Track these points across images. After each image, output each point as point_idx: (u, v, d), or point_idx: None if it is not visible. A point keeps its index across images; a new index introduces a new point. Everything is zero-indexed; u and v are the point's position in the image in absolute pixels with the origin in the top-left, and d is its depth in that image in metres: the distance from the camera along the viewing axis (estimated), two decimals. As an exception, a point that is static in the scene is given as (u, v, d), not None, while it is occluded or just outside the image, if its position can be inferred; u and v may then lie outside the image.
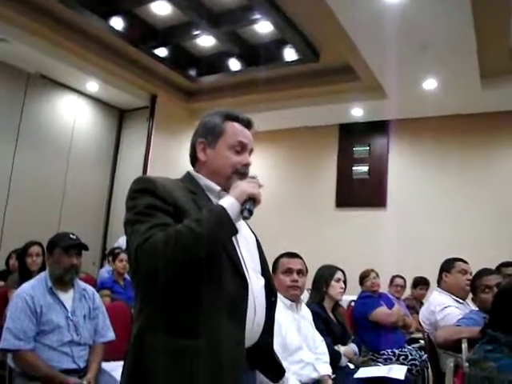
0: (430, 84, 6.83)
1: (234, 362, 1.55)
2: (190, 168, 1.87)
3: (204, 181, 1.77)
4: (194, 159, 1.85)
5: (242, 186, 1.61)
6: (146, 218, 1.54)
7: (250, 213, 1.58)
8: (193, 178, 1.79)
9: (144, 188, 1.62)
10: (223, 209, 1.54)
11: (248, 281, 1.64)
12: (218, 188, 1.75)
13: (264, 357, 1.83)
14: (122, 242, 7.22)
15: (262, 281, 1.78)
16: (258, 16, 6.21)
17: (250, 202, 1.59)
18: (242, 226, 1.80)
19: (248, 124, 1.85)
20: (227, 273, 1.59)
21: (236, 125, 1.81)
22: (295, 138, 9.12)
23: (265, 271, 1.84)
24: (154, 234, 1.48)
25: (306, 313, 3.30)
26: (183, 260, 1.48)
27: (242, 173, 1.75)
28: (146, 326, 1.57)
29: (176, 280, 1.51)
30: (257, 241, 1.89)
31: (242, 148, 1.78)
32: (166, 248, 1.45)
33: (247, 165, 1.78)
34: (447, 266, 3.83)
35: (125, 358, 1.62)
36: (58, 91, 7.97)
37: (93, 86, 8.07)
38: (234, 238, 1.69)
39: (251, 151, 1.83)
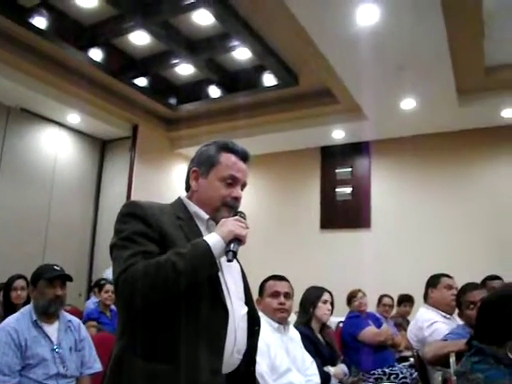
0: (408, 104, 6.94)
1: None
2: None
3: (193, 208, 1.77)
4: (187, 186, 1.85)
5: (230, 226, 1.61)
6: (131, 244, 1.56)
7: (234, 255, 1.58)
8: (183, 204, 1.80)
9: (132, 213, 1.64)
10: (208, 247, 1.54)
11: (230, 309, 1.64)
12: (206, 216, 1.75)
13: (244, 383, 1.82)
14: (108, 273, 7.18)
15: (245, 309, 1.78)
16: (235, 43, 6.27)
17: (235, 243, 1.59)
18: None
19: (244, 157, 1.84)
20: (207, 301, 1.60)
21: (231, 157, 1.80)
22: (277, 162, 9.18)
23: (248, 300, 1.83)
24: (135, 262, 1.50)
25: (294, 334, 3.29)
26: (161, 292, 1.50)
27: (231, 206, 1.75)
28: (125, 348, 1.58)
29: (155, 306, 1.52)
30: (241, 269, 1.89)
31: (233, 181, 1.77)
32: (145, 279, 1.47)
33: (237, 198, 1.77)
34: (433, 281, 3.84)
35: (102, 380, 1.63)
36: (39, 124, 7.96)
37: (74, 117, 8.07)
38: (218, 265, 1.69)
39: (244, 185, 1.82)
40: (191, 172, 1.82)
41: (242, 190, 1.82)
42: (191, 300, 1.56)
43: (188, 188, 1.85)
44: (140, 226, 1.59)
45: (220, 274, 1.68)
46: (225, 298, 1.64)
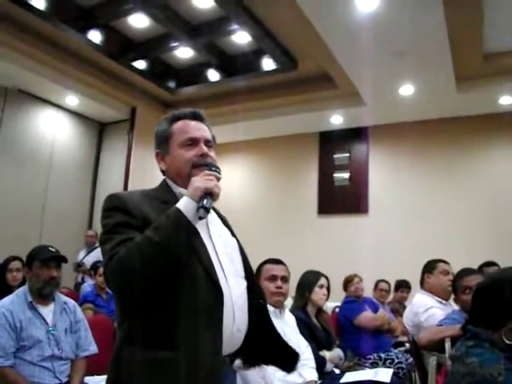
0: (406, 90, 6.91)
1: (211, 372, 1.53)
2: None
3: (177, 189, 1.75)
4: (162, 172, 1.84)
5: (196, 183, 1.58)
6: (114, 235, 1.55)
7: (206, 210, 1.54)
8: (167, 186, 1.78)
9: (113, 206, 1.63)
10: (178, 211, 1.52)
11: (225, 287, 1.62)
12: None
13: (275, 348, 1.83)
14: (81, 254, 7.45)
15: (244, 285, 1.75)
16: (235, 26, 6.22)
17: (206, 199, 1.55)
18: (218, 228, 1.79)
19: (194, 116, 1.84)
20: (201, 282, 1.57)
21: (182, 122, 1.80)
22: (276, 146, 9.16)
23: (248, 274, 1.81)
24: (118, 251, 1.49)
25: (289, 319, 3.29)
26: (150, 271, 1.48)
27: (200, 164, 1.71)
28: (124, 339, 1.58)
29: (150, 292, 1.51)
30: (239, 244, 1.86)
31: (192, 142, 1.75)
32: (129, 263, 1.46)
33: (203, 155, 1.73)
34: (429, 267, 3.85)
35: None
36: (37, 106, 7.93)
37: (72, 100, 8.05)
38: (210, 244, 1.68)
39: (208, 142, 1.79)
40: (156, 156, 1.82)
41: (209, 147, 1.77)
42: (185, 283, 1.54)
43: (163, 174, 1.83)
44: (122, 217, 1.58)
45: (213, 253, 1.66)
46: (218, 278, 1.61)
